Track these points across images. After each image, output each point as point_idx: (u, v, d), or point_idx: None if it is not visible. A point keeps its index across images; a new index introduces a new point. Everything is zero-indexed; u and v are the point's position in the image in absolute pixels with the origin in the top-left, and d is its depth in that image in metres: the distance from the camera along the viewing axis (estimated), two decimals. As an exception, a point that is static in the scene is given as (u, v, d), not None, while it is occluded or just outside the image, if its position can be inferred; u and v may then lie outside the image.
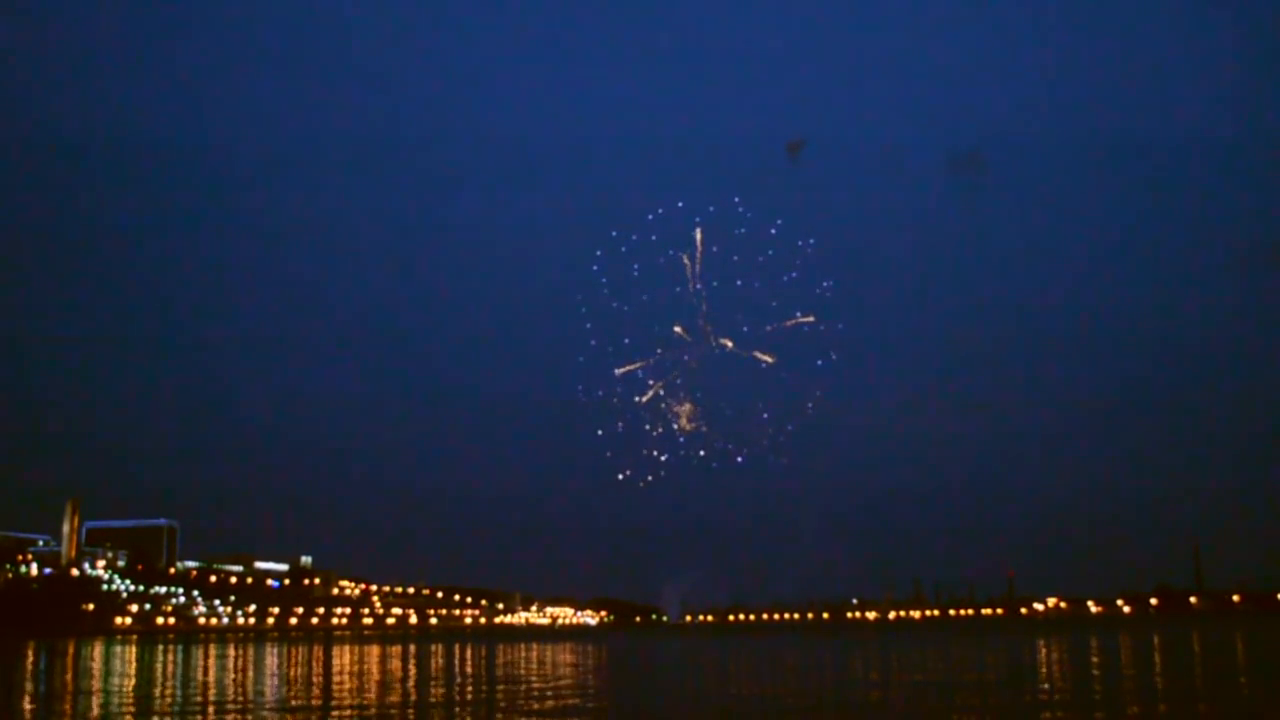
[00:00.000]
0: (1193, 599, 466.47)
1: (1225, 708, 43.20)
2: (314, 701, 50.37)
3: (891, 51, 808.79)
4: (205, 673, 78.38)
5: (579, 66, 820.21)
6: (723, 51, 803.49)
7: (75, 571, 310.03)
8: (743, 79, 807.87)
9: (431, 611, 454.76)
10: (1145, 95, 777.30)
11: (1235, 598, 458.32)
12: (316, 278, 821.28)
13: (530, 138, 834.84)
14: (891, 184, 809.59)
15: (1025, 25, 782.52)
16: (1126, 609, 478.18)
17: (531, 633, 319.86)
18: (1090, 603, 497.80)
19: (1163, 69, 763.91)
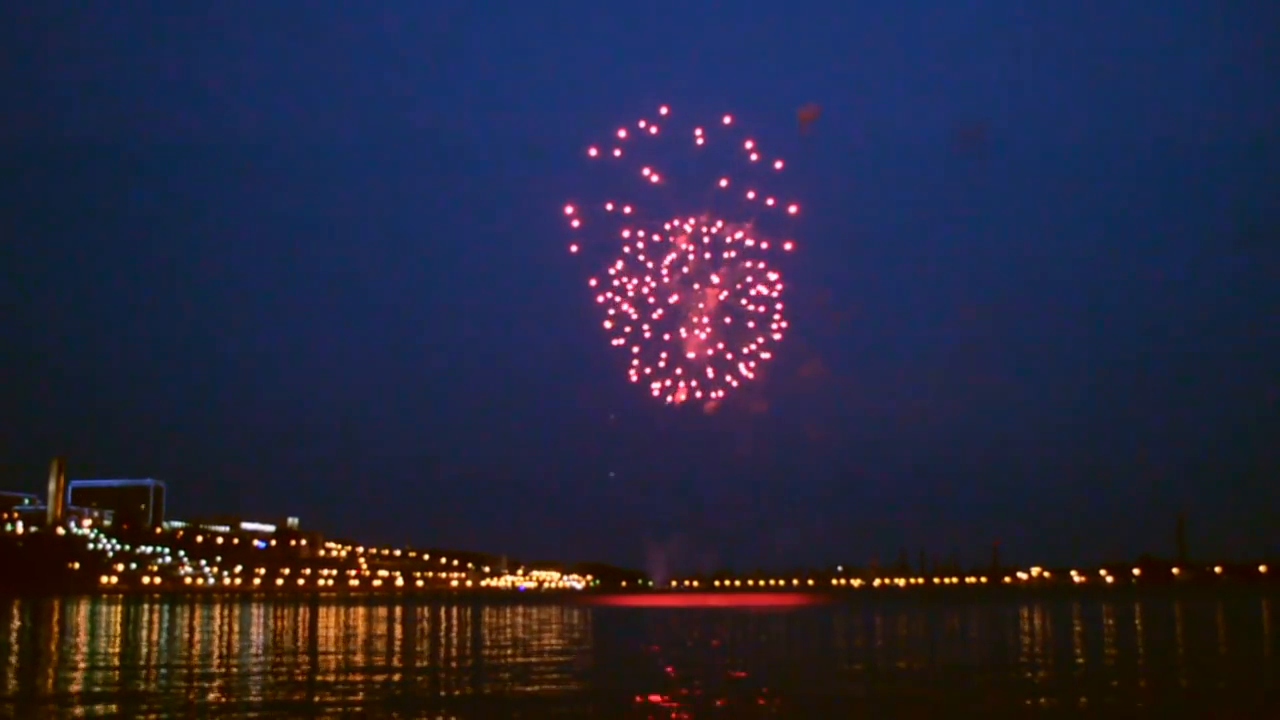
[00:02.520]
0: (1175, 570, 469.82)
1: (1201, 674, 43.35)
2: (300, 666, 50.28)
3: (898, 24, 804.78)
4: (191, 633, 78.36)
5: (580, 42, 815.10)
6: (728, 23, 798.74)
7: (61, 530, 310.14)
8: (746, 49, 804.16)
9: (417, 574, 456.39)
10: (1150, 77, 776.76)
11: (1217, 569, 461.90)
12: (307, 242, 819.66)
13: (522, 114, 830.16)
14: (897, 158, 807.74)
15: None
16: (1109, 579, 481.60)
17: (517, 596, 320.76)
18: (1074, 573, 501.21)
19: (1169, 50, 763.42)
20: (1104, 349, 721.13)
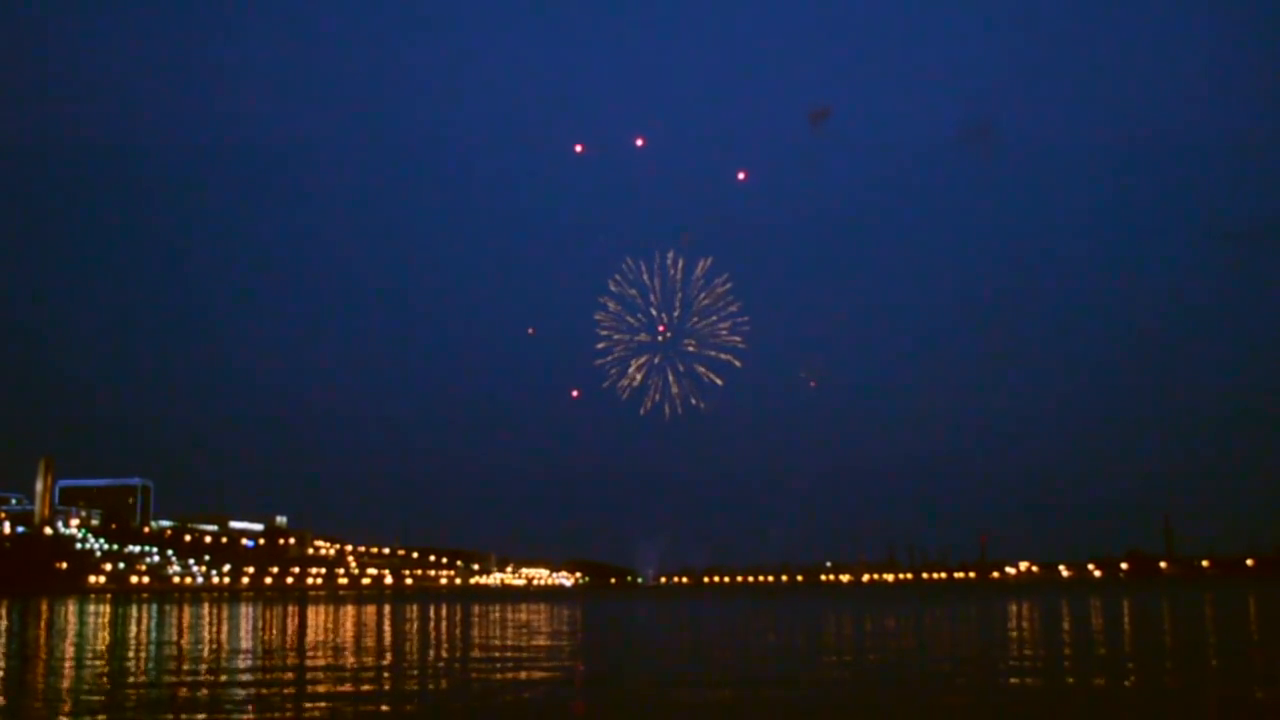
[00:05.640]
0: (1163, 564, 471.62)
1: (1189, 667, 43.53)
2: (288, 662, 50.27)
3: (904, 21, 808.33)
4: (179, 633, 78.25)
5: (591, 38, 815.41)
6: (736, 23, 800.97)
7: (48, 530, 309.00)
8: (756, 49, 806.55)
9: (406, 572, 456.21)
10: (1155, 76, 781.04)
11: (1204, 563, 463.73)
12: (295, 241, 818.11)
13: (539, 105, 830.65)
14: (900, 155, 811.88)
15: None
16: (1097, 573, 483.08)
17: (506, 594, 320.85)
18: (1062, 567, 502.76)
19: (1174, 49, 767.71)
20: (1092, 345, 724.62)
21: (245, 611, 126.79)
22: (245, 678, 42.68)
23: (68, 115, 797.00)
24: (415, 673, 44.72)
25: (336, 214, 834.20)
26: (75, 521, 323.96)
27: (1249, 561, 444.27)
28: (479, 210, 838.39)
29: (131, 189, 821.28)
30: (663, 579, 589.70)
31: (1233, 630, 69.48)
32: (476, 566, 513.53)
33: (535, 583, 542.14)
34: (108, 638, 72.47)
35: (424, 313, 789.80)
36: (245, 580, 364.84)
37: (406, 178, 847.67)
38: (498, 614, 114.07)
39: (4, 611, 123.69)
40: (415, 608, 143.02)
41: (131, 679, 43.02)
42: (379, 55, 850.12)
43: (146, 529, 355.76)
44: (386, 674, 44.17)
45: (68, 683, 41.59)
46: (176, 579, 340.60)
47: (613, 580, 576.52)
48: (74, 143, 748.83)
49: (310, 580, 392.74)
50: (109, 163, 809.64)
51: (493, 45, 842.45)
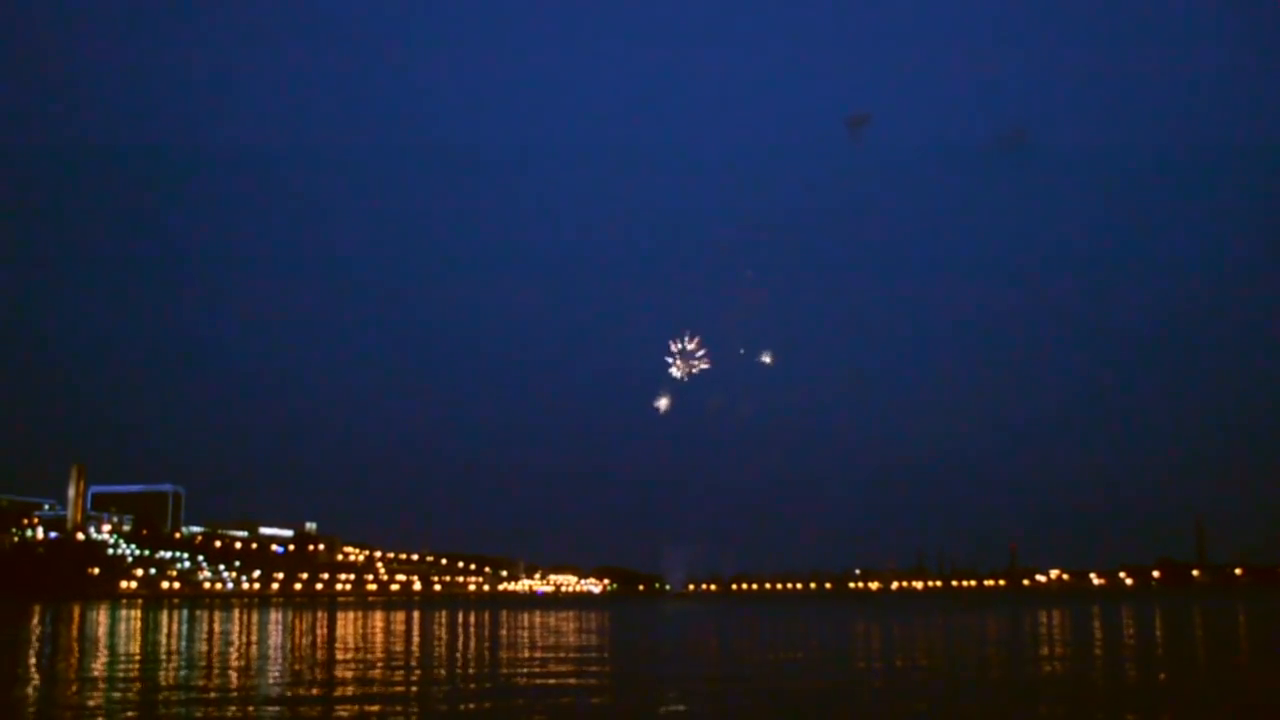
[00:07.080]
0: (1195, 572, 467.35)
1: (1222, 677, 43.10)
2: (317, 673, 50.40)
3: (938, 30, 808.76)
4: (210, 638, 78.59)
5: (635, 46, 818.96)
6: (771, 33, 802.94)
7: (81, 536, 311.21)
8: (793, 58, 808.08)
9: (435, 578, 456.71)
10: (1189, 84, 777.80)
11: (1237, 571, 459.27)
12: (323, 248, 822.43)
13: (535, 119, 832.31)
14: (934, 162, 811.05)
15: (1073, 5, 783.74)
16: (1129, 581, 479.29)
17: (534, 600, 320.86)
18: (1092, 575, 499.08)
19: (1206, 58, 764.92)
20: (1124, 350, 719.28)
21: (275, 618, 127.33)
22: (274, 692, 42.83)
23: (94, 119, 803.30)
24: (447, 686, 44.77)
25: (360, 219, 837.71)
26: (107, 527, 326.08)
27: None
28: (511, 223, 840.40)
29: (164, 196, 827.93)
30: (690, 586, 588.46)
31: (1266, 643, 68.71)
32: (505, 573, 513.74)
33: (563, 589, 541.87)
34: (140, 644, 72.90)
35: (452, 321, 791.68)
36: (275, 586, 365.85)
37: (433, 188, 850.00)
38: (528, 621, 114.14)
39: (37, 616, 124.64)
40: (444, 614, 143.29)
41: (164, 690, 43.23)
42: (389, 64, 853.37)
43: (177, 535, 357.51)
44: (415, 687, 44.22)
45: (100, 692, 41.82)
46: (207, 584, 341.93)
47: (640, 587, 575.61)
48: (90, 147, 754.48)
49: (339, 586, 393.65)
50: (143, 170, 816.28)
51: (518, 56, 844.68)
